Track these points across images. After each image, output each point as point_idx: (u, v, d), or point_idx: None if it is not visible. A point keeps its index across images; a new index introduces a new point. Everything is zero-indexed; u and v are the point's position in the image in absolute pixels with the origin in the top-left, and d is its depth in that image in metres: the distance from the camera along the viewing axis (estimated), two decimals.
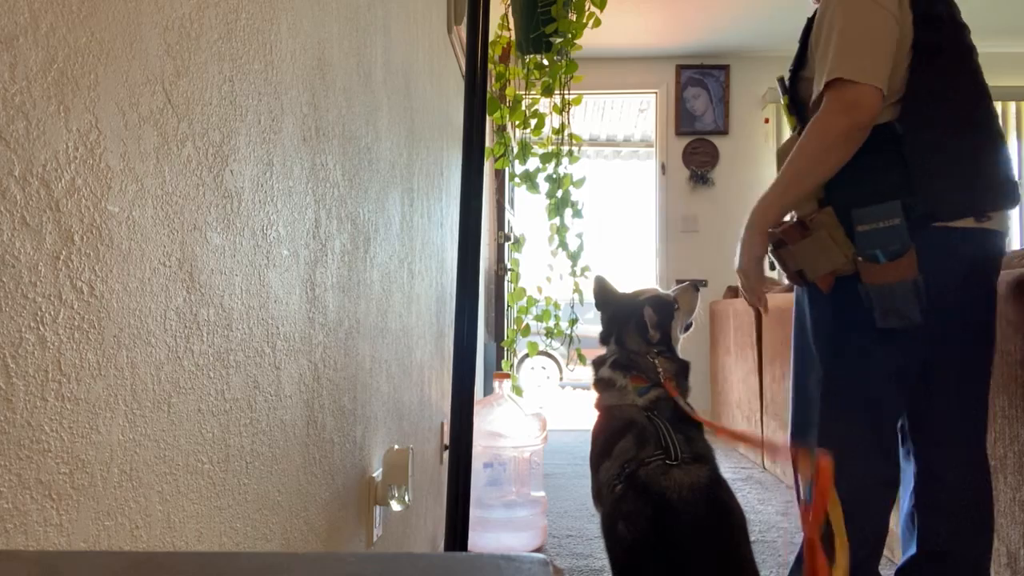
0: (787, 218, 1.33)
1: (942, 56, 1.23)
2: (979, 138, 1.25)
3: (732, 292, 4.08)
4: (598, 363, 1.53)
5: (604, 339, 1.57)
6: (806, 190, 1.26)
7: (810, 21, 1.34)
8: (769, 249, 1.32)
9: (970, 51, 1.28)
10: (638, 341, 1.49)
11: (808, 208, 1.29)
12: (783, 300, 2.99)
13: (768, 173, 4.59)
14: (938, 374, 1.25)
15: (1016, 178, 1.28)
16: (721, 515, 1.16)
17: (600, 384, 1.47)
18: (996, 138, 1.27)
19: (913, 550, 1.33)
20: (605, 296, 1.61)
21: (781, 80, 1.43)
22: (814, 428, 1.29)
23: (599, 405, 1.47)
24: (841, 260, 1.23)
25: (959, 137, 1.23)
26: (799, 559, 1.33)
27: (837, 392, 1.27)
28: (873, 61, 1.18)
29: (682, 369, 1.46)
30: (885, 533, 1.28)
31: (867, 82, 1.17)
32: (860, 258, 1.20)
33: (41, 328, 0.40)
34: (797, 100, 1.36)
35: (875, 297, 1.19)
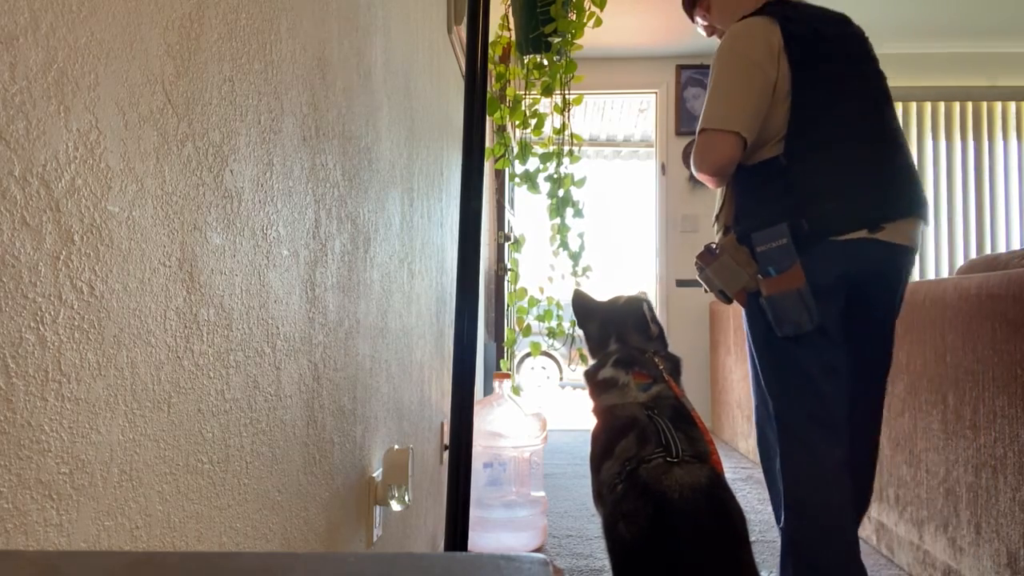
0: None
1: (821, 90, 1.39)
2: (868, 156, 1.38)
3: None
4: (597, 367, 1.53)
5: (601, 343, 1.58)
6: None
7: None
8: (697, 274, 1.51)
9: (858, 76, 1.43)
10: (639, 339, 1.52)
11: (718, 235, 1.51)
12: None
13: None
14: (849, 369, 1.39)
15: (920, 189, 1.40)
16: (721, 516, 1.16)
17: (601, 385, 1.47)
18: (890, 152, 1.39)
19: None
20: (588, 306, 1.62)
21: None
22: (771, 421, 1.43)
23: (599, 408, 1.47)
24: (746, 279, 1.41)
25: (844, 160, 1.37)
26: (784, 555, 1.40)
27: (780, 392, 1.41)
28: (736, 111, 1.38)
29: (676, 366, 1.50)
30: (849, 505, 1.36)
31: (727, 129, 1.37)
32: (760, 275, 1.38)
33: (41, 328, 0.40)
34: None
35: (769, 308, 1.36)
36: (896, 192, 1.37)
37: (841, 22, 1.48)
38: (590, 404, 1.53)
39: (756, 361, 1.46)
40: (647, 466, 1.22)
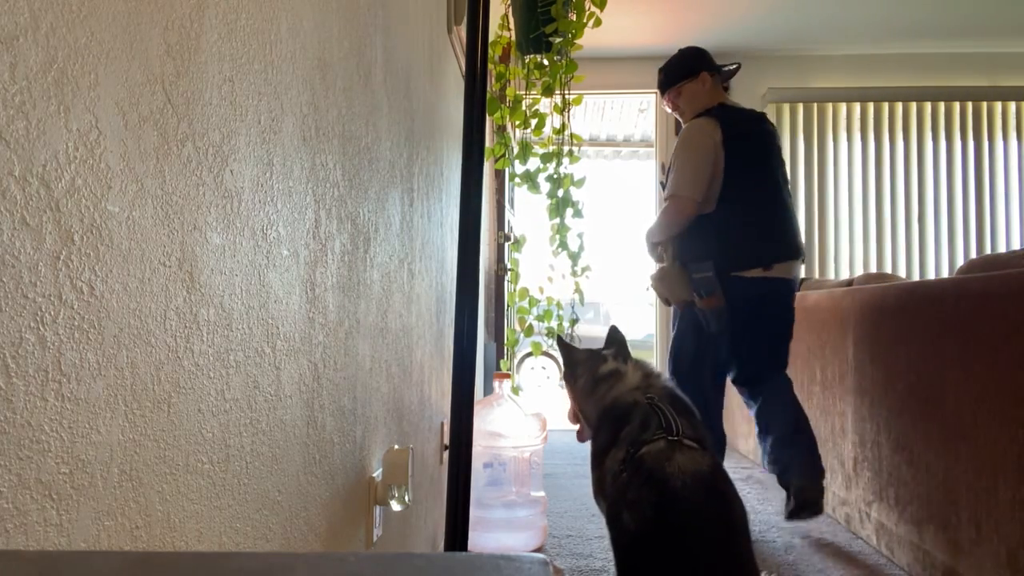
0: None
1: (741, 172, 2.12)
2: (766, 217, 2.14)
3: None
4: (595, 369, 1.60)
5: (592, 357, 1.68)
6: (659, 242, 2.28)
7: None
8: (650, 284, 2.34)
9: (765, 163, 2.17)
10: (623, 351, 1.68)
11: (665, 262, 2.27)
12: None
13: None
14: (747, 357, 2.21)
15: (799, 238, 2.18)
16: (722, 506, 1.17)
17: (602, 380, 1.54)
18: (782, 214, 2.16)
19: (764, 456, 2.21)
20: (575, 349, 1.76)
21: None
22: (683, 375, 2.21)
23: (601, 407, 1.51)
24: (686, 295, 2.18)
25: (750, 220, 2.12)
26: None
27: (693, 361, 2.23)
28: (693, 181, 2.12)
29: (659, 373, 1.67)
30: (721, 405, 2.27)
31: (688, 195, 2.13)
32: (695, 294, 2.14)
33: (41, 328, 0.40)
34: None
35: (701, 315, 2.14)
36: (783, 242, 2.13)
37: (759, 120, 2.22)
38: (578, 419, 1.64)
39: (681, 338, 2.24)
40: (650, 449, 1.24)
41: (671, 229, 2.19)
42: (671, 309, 2.36)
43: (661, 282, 2.22)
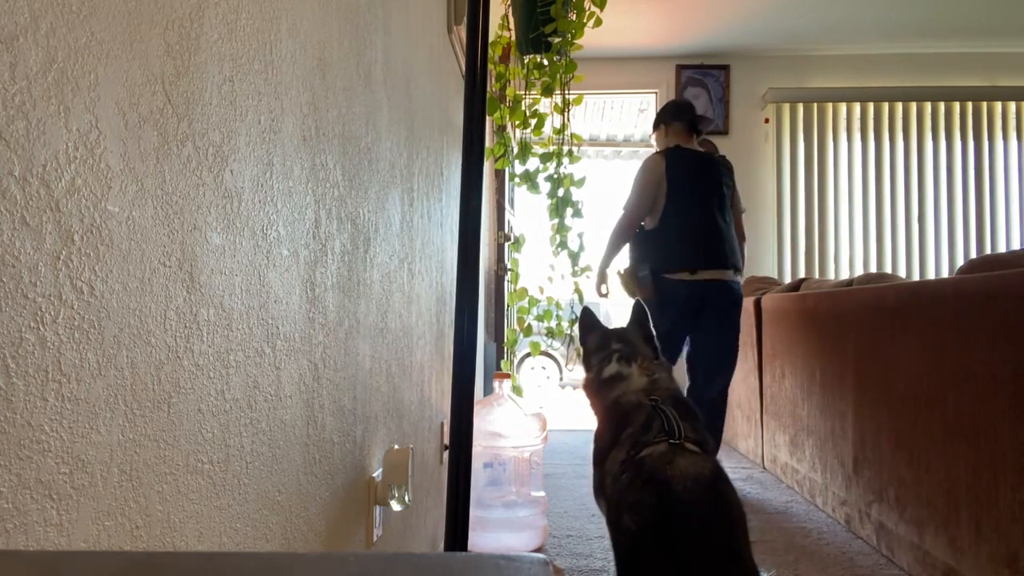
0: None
1: (678, 197, 2.72)
2: (696, 234, 2.70)
3: None
4: (599, 368, 1.59)
5: (603, 345, 1.67)
6: (611, 255, 2.87)
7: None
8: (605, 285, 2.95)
9: (701, 189, 2.76)
10: (638, 334, 1.67)
11: (629, 265, 2.85)
12: (781, 301, 2.99)
13: (768, 173, 4.59)
14: (694, 340, 2.77)
15: (726, 251, 2.71)
16: (722, 510, 1.17)
17: (607, 383, 1.53)
18: (710, 232, 2.71)
19: None
20: (593, 321, 1.79)
21: None
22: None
23: (604, 405, 1.50)
24: (634, 290, 2.75)
25: (682, 236, 2.70)
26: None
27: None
28: (635, 203, 2.78)
29: (668, 368, 1.64)
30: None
31: (630, 212, 2.80)
32: (638, 288, 2.73)
33: (41, 328, 0.40)
34: None
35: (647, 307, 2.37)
36: (707, 254, 2.69)
37: (706, 159, 2.82)
38: (591, 410, 1.59)
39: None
40: (651, 452, 1.24)
41: (618, 237, 2.83)
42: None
43: (623, 280, 2.85)
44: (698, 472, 1.20)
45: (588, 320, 1.78)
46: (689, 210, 2.70)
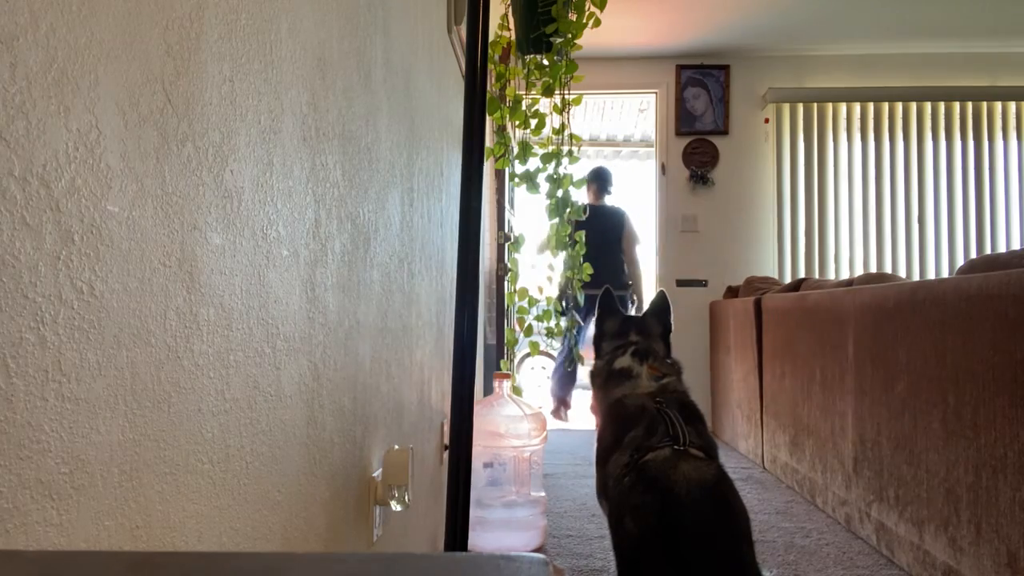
0: None
1: (588, 239, 3.17)
2: (597, 265, 3.27)
3: (732, 292, 4.09)
4: (612, 357, 1.56)
5: (620, 333, 1.65)
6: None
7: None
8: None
9: (601, 230, 4.30)
10: (656, 329, 1.64)
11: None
12: (781, 301, 2.99)
13: (768, 173, 4.59)
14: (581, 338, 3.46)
15: (616, 274, 4.39)
16: (725, 515, 1.17)
17: (615, 376, 1.51)
18: (608, 263, 4.26)
19: None
20: (614, 305, 1.77)
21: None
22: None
23: (608, 401, 1.49)
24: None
25: (597, 265, 3.32)
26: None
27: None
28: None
29: (680, 370, 1.58)
30: None
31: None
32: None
33: (41, 328, 0.40)
34: None
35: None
36: (605, 276, 3.57)
37: (609, 209, 4.56)
38: (591, 402, 1.56)
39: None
40: (655, 456, 1.23)
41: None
42: None
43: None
44: (701, 477, 1.19)
45: (608, 303, 1.74)
46: (592, 248, 3.55)
